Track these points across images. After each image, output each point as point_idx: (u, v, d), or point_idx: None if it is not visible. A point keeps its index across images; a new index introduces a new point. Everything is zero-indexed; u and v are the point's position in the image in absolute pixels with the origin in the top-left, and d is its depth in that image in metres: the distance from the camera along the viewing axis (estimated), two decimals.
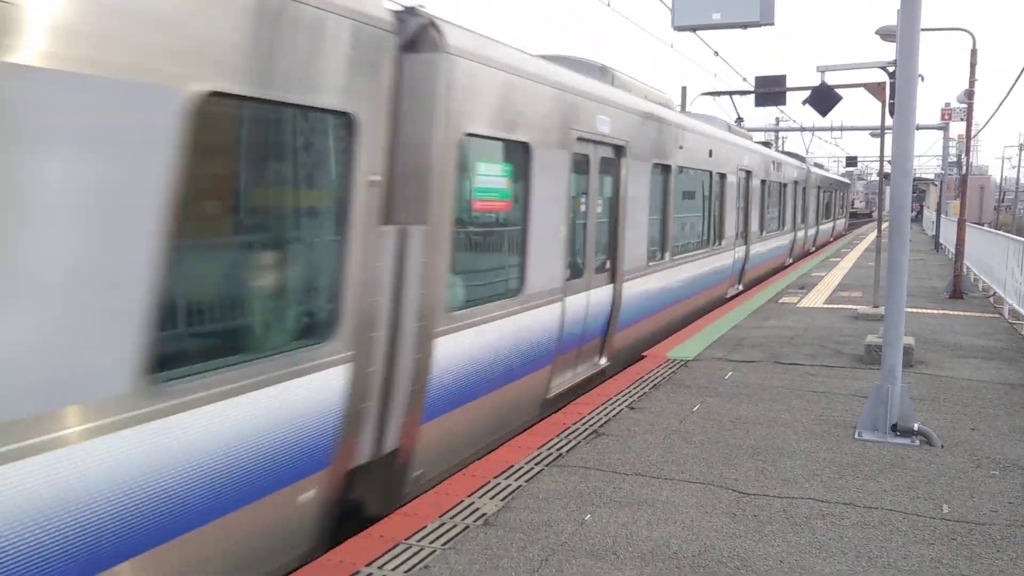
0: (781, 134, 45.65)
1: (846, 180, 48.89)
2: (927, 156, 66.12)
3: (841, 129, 40.77)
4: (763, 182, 17.95)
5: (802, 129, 39.49)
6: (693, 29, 7.05)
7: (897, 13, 6.26)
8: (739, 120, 23.54)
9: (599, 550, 4.41)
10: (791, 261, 24.06)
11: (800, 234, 25.47)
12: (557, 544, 4.47)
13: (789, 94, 14.83)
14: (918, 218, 57.81)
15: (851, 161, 53.94)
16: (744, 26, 6.57)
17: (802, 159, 28.65)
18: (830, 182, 35.10)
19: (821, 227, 31.98)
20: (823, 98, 11.99)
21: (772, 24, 6.41)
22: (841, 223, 42.46)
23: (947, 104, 33.45)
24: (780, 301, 14.74)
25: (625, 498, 5.15)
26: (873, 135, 35.13)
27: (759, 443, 6.30)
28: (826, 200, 33.63)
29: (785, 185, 21.53)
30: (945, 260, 25.03)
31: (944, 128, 34.70)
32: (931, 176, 53.04)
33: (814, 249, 29.82)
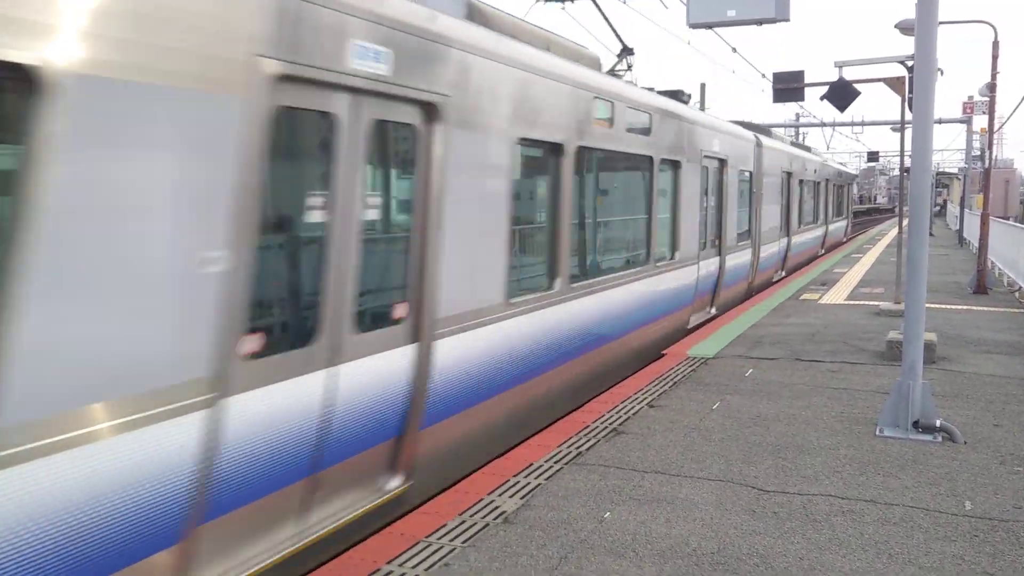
0: (802, 130, 45.42)
1: (843, 167, 34.38)
2: (950, 150, 65.42)
3: (862, 124, 40.48)
4: (568, 152, 7.39)
5: (822, 124, 39.25)
6: (708, 26, 7.03)
7: (915, 6, 6.22)
8: (626, 52, 11.82)
9: (618, 547, 4.42)
10: (698, 320, 12.10)
11: (737, 260, 14.01)
12: (576, 542, 4.49)
13: (808, 90, 14.70)
14: (942, 213, 57.23)
15: (873, 156, 53.48)
16: (759, 22, 6.54)
17: (760, 130, 17.62)
18: (812, 168, 22.76)
19: (797, 239, 20.40)
20: (841, 93, 11.90)
21: (787, 20, 6.38)
22: (839, 228, 29.86)
23: (970, 97, 33.11)
24: (801, 298, 14.66)
25: (644, 496, 5.15)
26: (894, 130, 34.82)
27: (779, 440, 6.28)
28: (808, 196, 22.11)
29: (678, 166, 10.54)
30: (969, 255, 24.77)
31: (967, 121, 34.37)
32: (955, 170, 52.51)
33: (782, 275, 19.05)
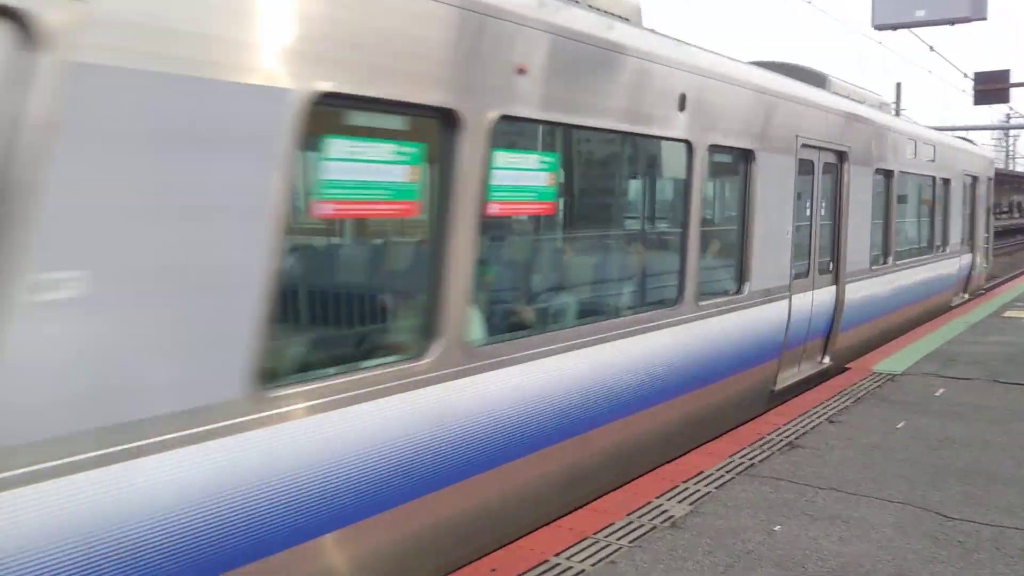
0: (1011, 135, 41.66)
1: (960, 142, 15.14)
2: None
3: None
4: None
5: None
6: (895, 27, 6.68)
7: None
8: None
9: (787, 562, 4.38)
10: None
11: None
12: (743, 552, 4.49)
13: (1015, 91, 13.39)
14: None
15: None
16: (952, 22, 6.14)
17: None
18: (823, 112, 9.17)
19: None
20: None
21: (984, 19, 5.94)
22: (910, 288, 12.68)
23: None
24: (1005, 315, 13.57)
25: (818, 512, 5.05)
26: None
27: (969, 466, 5.92)
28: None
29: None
30: None
31: None
32: None
33: None
